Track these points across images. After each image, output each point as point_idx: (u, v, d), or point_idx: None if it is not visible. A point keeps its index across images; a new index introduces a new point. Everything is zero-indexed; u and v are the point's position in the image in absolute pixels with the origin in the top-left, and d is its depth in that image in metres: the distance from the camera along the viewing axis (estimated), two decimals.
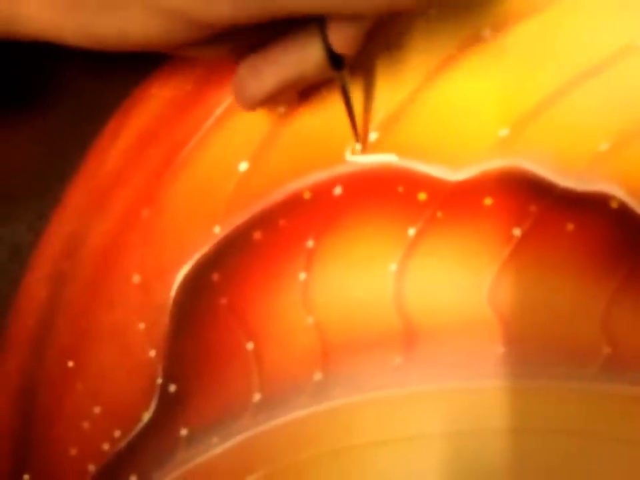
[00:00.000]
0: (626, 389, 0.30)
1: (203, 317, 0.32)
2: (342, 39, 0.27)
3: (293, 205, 0.32)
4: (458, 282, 0.31)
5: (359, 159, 0.32)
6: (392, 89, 0.32)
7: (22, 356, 0.33)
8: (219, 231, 0.32)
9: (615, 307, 0.30)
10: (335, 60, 0.28)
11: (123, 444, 0.32)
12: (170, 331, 0.32)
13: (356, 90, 0.32)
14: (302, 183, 0.32)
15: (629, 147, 0.30)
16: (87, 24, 0.27)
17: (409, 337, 0.31)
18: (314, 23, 0.27)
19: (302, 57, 0.28)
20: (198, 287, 0.32)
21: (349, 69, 0.29)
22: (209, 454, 0.32)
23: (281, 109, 0.32)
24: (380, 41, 0.31)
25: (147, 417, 0.32)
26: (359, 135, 0.31)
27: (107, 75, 0.33)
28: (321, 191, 0.32)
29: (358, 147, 0.31)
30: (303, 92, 0.32)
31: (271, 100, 0.29)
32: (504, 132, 0.31)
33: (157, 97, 0.33)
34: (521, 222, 0.31)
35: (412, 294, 0.31)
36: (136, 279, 0.32)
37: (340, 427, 0.31)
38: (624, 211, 0.30)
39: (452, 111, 0.31)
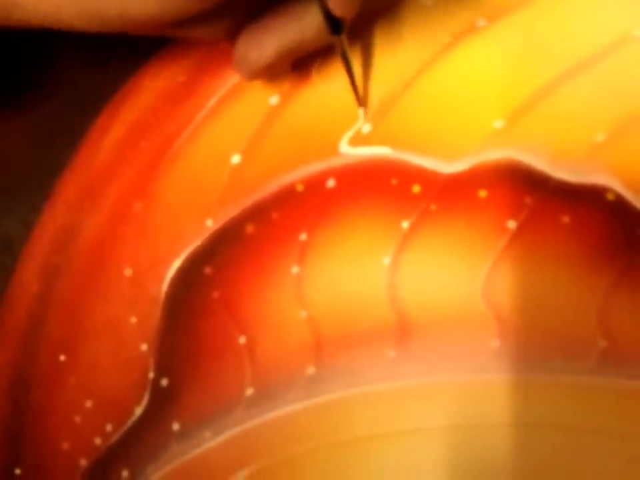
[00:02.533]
0: (622, 382, 0.30)
1: (195, 310, 0.32)
2: (340, 2, 0.27)
3: (285, 198, 0.31)
4: (452, 275, 0.31)
5: (352, 151, 0.31)
6: (385, 79, 0.31)
7: (13, 349, 0.33)
8: (211, 224, 0.32)
9: (611, 301, 0.30)
10: (334, 24, 0.28)
11: (114, 438, 0.32)
12: (162, 324, 0.32)
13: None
14: (295, 176, 0.32)
15: (625, 138, 0.30)
16: (87, 4, 0.27)
17: (402, 330, 0.31)
18: None
19: (300, 23, 0.28)
20: (190, 280, 0.32)
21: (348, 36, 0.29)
22: (201, 448, 0.31)
23: (273, 100, 0.32)
24: (372, 31, 0.31)
25: (139, 411, 0.32)
26: (361, 99, 0.31)
27: (98, 68, 0.33)
28: (314, 184, 0.31)
29: (361, 112, 0.31)
30: (295, 83, 0.31)
31: (272, 69, 0.29)
32: (499, 123, 0.31)
33: (149, 89, 0.33)
34: (515, 214, 0.30)
35: (406, 287, 0.31)
36: (128, 272, 0.32)
37: (333, 421, 0.31)
38: (620, 203, 0.30)
39: (446, 102, 0.31)
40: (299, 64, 0.31)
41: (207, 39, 0.30)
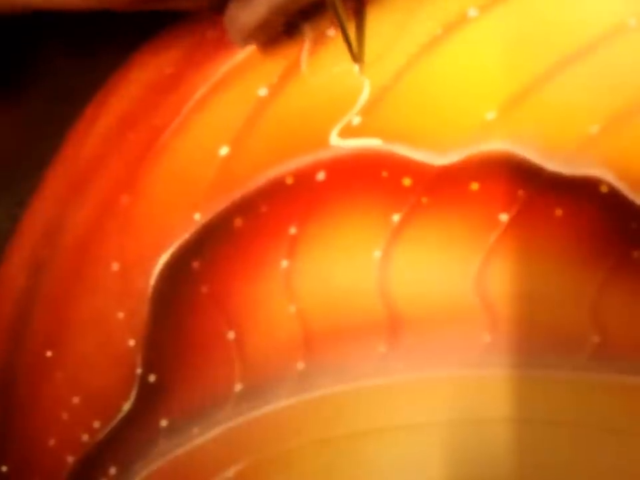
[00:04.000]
0: (614, 377, 0.30)
1: (183, 305, 0.31)
2: None
3: (274, 191, 0.31)
4: (443, 269, 0.30)
5: (342, 143, 0.31)
6: (375, 71, 0.31)
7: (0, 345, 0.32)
8: (199, 218, 0.31)
9: (604, 295, 0.30)
10: None
11: (102, 435, 0.32)
12: (149, 319, 0.31)
13: None
14: (284, 168, 0.31)
15: (618, 130, 0.30)
16: None
17: (393, 325, 0.31)
18: None
19: None
20: (178, 274, 0.31)
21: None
22: (190, 445, 0.31)
23: (262, 92, 0.31)
24: (362, 22, 0.31)
25: (126, 407, 0.31)
26: (356, 55, 0.30)
27: (85, 60, 0.33)
28: (304, 176, 0.31)
29: (357, 68, 0.31)
30: (284, 74, 0.31)
31: (264, 30, 0.29)
32: (491, 115, 0.30)
33: (136, 81, 0.32)
34: (508, 207, 0.30)
35: (397, 281, 0.31)
36: (115, 266, 0.32)
37: (324, 417, 0.31)
38: (614, 196, 0.30)
39: (437, 93, 0.31)
40: (288, 54, 0.31)
41: (195, 9, 0.29)
